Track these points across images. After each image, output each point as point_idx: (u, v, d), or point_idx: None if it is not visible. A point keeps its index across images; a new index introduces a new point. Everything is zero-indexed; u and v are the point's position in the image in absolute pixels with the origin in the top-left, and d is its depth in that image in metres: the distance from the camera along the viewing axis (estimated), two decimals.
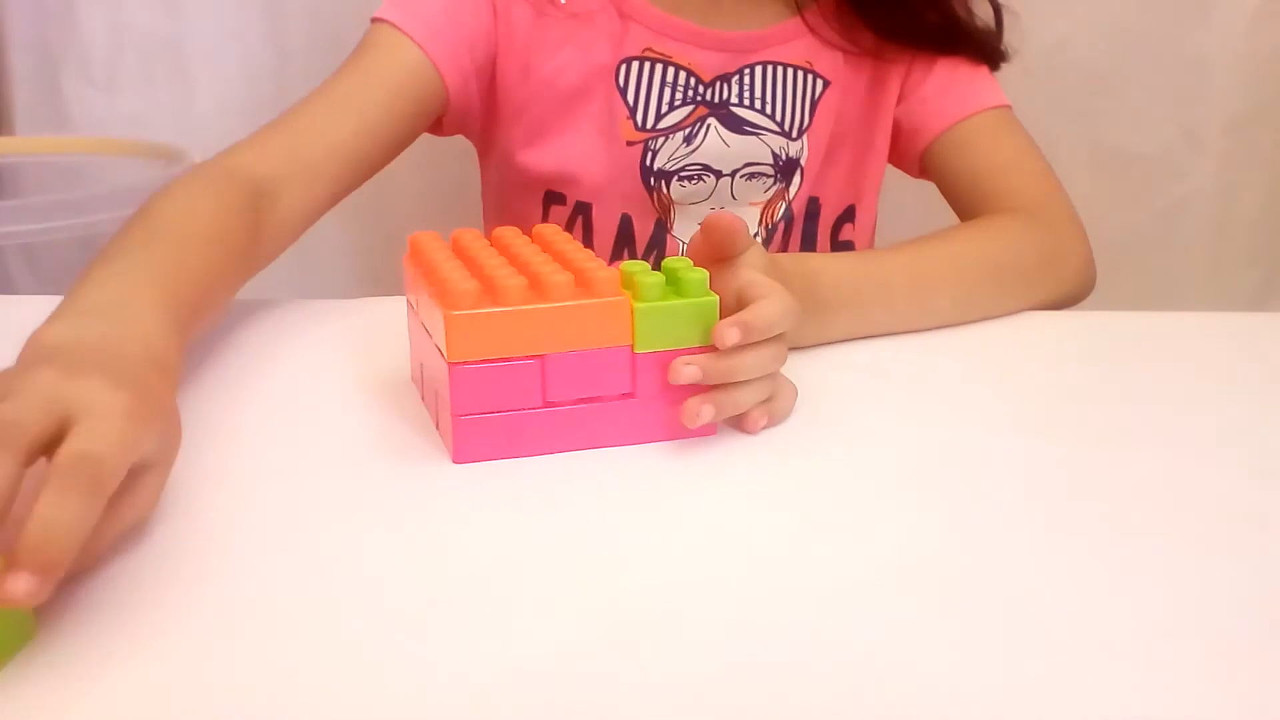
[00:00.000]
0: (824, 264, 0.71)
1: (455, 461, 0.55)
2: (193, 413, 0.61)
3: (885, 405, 0.62)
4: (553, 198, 0.91)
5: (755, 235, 0.92)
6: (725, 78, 0.88)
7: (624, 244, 0.91)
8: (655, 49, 0.87)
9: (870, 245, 0.98)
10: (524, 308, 0.54)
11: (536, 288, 0.55)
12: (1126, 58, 1.18)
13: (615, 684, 0.40)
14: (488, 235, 0.62)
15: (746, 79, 0.89)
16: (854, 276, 0.71)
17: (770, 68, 0.89)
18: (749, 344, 0.56)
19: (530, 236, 0.62)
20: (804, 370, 0.65)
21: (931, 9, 0.89)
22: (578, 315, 0.54)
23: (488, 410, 0.54)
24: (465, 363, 0.53)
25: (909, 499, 0.53)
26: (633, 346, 0.55)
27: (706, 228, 0.60)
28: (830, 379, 0.65)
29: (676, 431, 0.57)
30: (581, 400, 0.56)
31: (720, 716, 0.38)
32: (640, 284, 0.55)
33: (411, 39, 0.82)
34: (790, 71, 0.89)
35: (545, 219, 0.91)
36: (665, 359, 0.55)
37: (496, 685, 0.40)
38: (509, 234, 0.61)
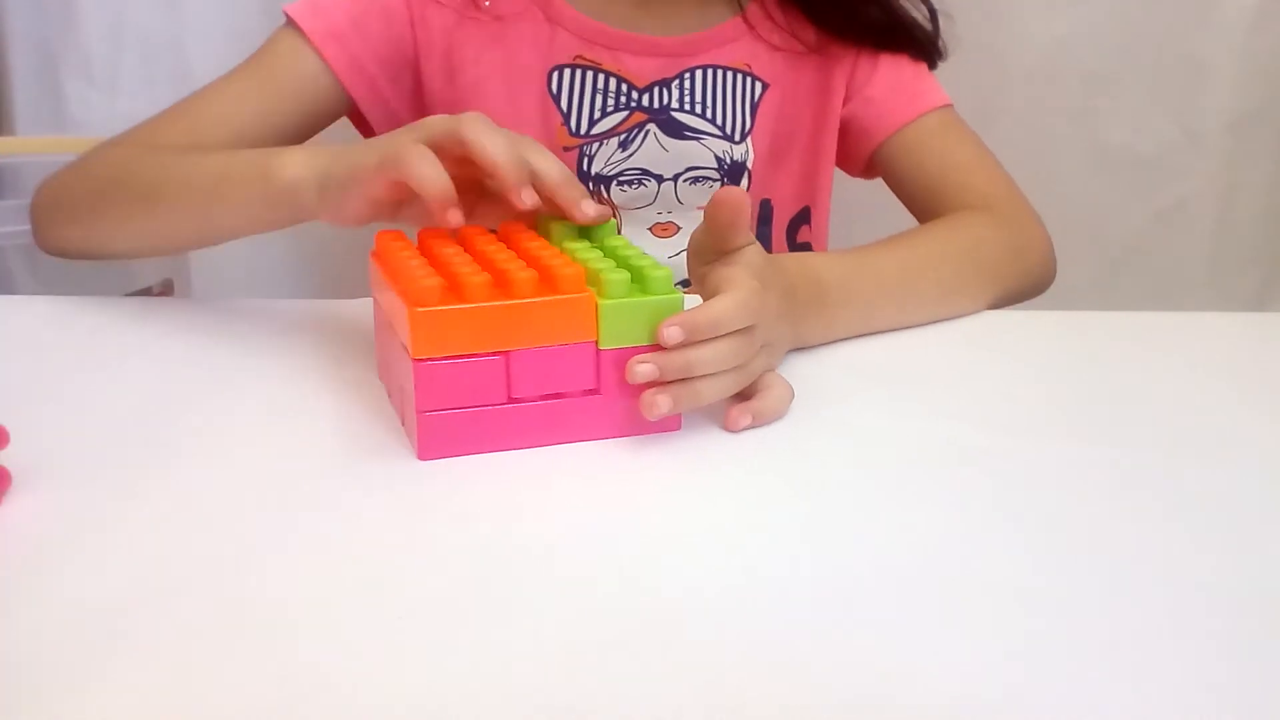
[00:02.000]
0: (825, 264, 0.72)
1: (420, 458, 0.55)
2: (168, 415, 0.61)
3: (884, 404, 0.62)
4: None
5: None
6: (665, 83, 0.88)
7: None
8: (586, 56, 0.88)
9: (825, 245, 0.99)
10: (488, 304, 0.54)
11: (501, 284, 0.55)
12: (1126, 58, 1.18)
13: (605, 682, 0.40)
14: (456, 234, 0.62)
15: (687, 83, 0.89)
16: (854, 275, 0.72)
17: (710, 71, 0.89)
18: (708, 339, 0.56)
19: (497, 234, 0.62)
20: (803, 369, 0.65)
21: (873, 3, 0.89)
22: (542, 312, 0.54)
23: (452, 406, 0.55)
24: (430, 359, 0.54)
25: (908, 498, 0.53)
26: (597, 343, 0.55)
27: (712, 206, 0.60)
28: (829, 378, 0.65)
29: (641, 427, 0.57)
30: (546, 396, 0.56)
31: (714, 715, 0.38)
32: (605, 281, 0.55)
33: (312, 44, 0.83)
34: (729, 75, 0.90)
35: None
36: (630, 355, 0.55)
37: (455, 685, 0.40)
38: (474, 232, 0.62)
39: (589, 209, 0.61)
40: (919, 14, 0.91)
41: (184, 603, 0.44)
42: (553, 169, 0.60)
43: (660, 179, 0.90)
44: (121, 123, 1.27)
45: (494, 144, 0.58)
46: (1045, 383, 0.66)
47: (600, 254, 0.58)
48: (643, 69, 0.88)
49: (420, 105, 0.89)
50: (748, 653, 0.41)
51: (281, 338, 0.71)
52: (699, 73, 0.89)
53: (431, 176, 0.57)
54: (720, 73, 0.89)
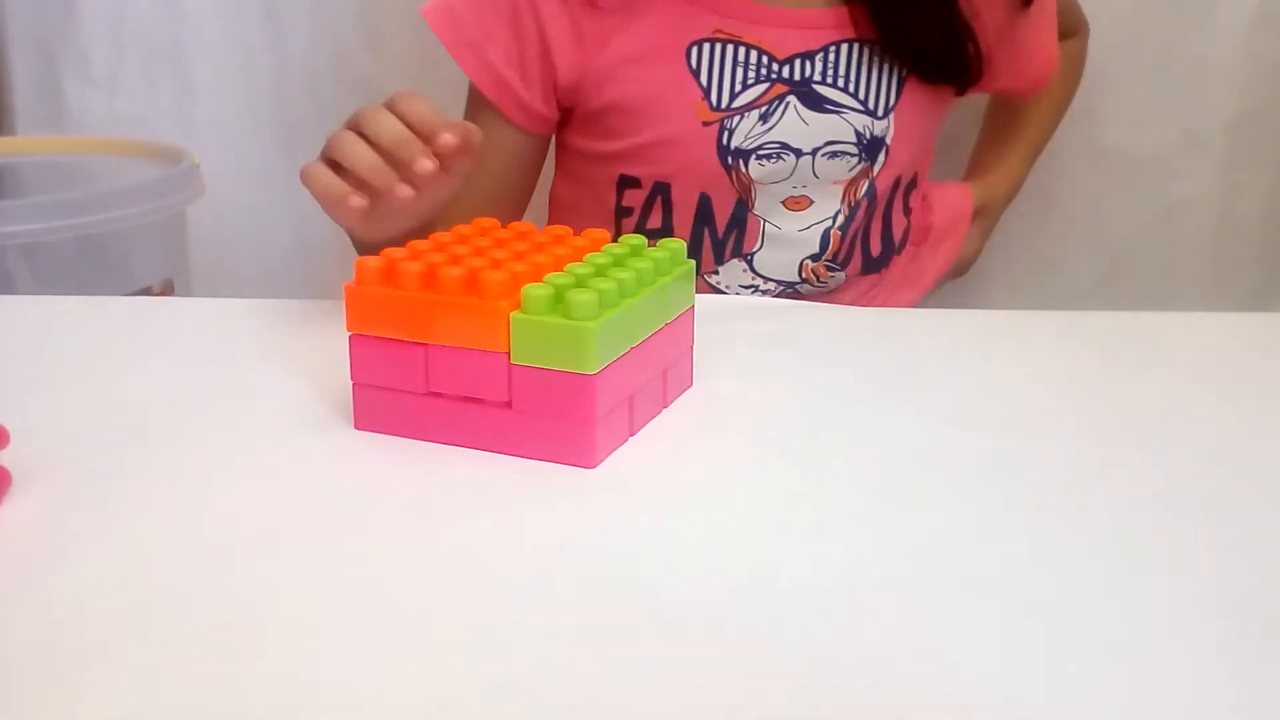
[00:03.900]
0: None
1: (355, 428, 0.58)
2: (168, 415, 0.61)
3: (883, 404, 0.62)
4: (627, 181, 0.92)
5: (836, 214, 0.93)
6: (808, 55, 0.88)
7: (703, 223, 0.91)
8: (724, 30, 0.88)
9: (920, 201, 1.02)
10: (404, 293, 0.55)
11: (430, 278, 0.55)
12: (1126, 58, 1.18)
13: (603, 683, 0.40)
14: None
15: (831, 57, 0.89)
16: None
17: (855, 45, 0.89)
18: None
19: (509, 230, 0.62)
20: (803, 368, 0.65)
21: (932, 28, 0.90)
22: (454, 313, 0.54)
23: (380, 385, 0.57)
24: (361, 334, 0.56)
25: (907, 498, 0.53)
26: (509, 356, 0.54)
27: None
28: (830, 377, 0.65)
29: (552, 454, 0.55)
30: (464, 399, 0.56)
31: (714, 717, 0.38)
32: (525, 295, 0.54)
33: (502, 115, 0.90)
34: (878, 49, 0.89)
35: (619, 204, 0.93)
36: (542, 375, 0.54)
37: (451, 684, 0.40)
38: (484, 224, 0.62)
39: (445, 139, 0.66)
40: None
41: (185, 603, 0.44)
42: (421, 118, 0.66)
43: (799, 153, 0.89)
44: (121, 123, 1.28)
45: (356, 155, 0.66)
46: (1045, 383, 0.66)
47: (594, 268, 0.56)
48: (783, 41, 0.88)
49: (556, 100, 0.91)
50: (748, 654, 0.41)
51: (282, 337, 0.71)
52: (844, 46, 0.89)
53: (360, 154, 0.66)
54: (868, 46, 0.89)
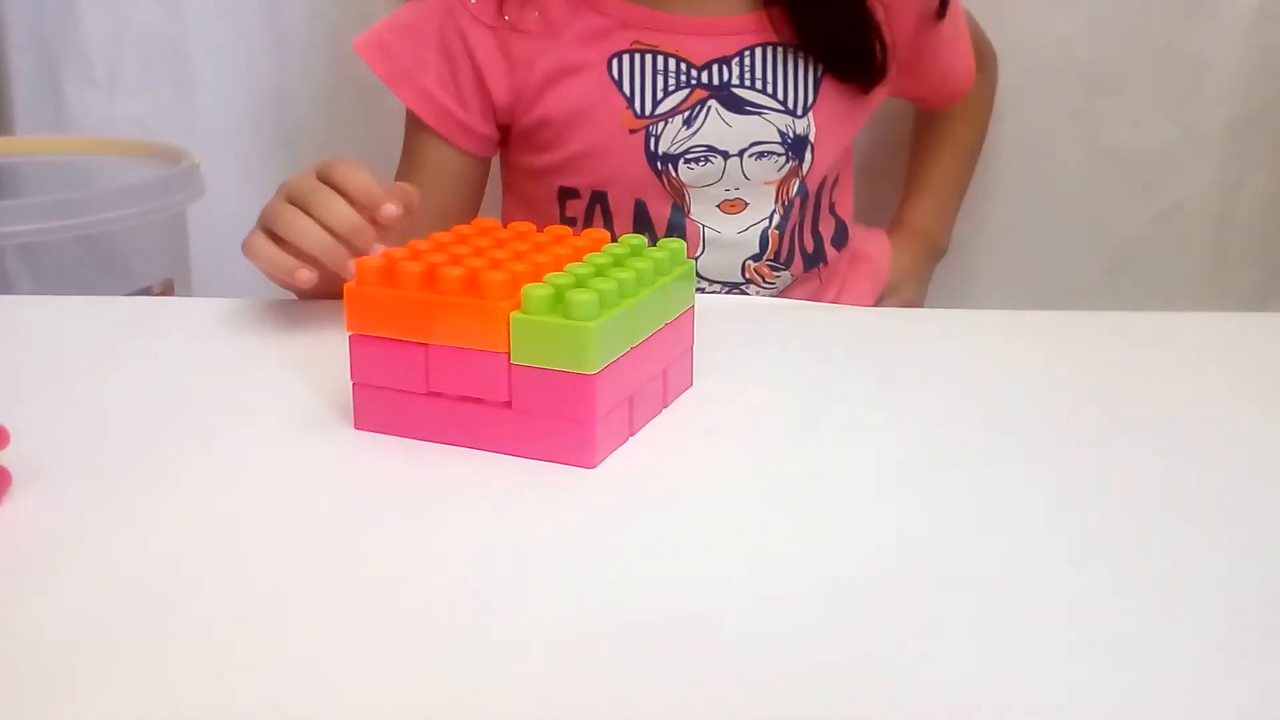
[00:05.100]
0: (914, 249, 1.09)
1: (355, 428, 0.58)
2: (168, 415, 0.61)
3: (883, 403, 0.62)
4: (567, 193, 0.94)
5: (772, 214, 0.94)
6: (725, 60, 0.91)
7: (643, 228, 0.93)
8: (642, 41, 0.90)
9: (851, 201, 1.03)
10: (404, 293, 0.55)
11: (430, 278, 0.55)
12: (1126, 58, 1.18)
13: (602, 683, 0.40)
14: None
15: (747, 60, 0.91)
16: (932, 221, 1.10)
17: (771, 49, 0.91)
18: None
19: (509, 230, 0.62)
20: (801, 367, 0.65)
21: (843, 23, 0.92)
22: (458, 312, 0.55)
23: (380, 384, 0.57)
24: (361, 334, 0.56)
25: (907, 498, 0.53)
26: (509, 356, 0.54)
27: None
28: (829, 377, 0.65)
29: (552, 454, 0.55)
30: (464, 398, 0.56)
31: (712, 716, 0.38)
32: (525, 295, 0.54)
33: (441, 137, 0.92)
34: (791, 51, 0.92)
35: (563, 215, 0.95)
36: (543, 375, 0.54)
37: (450, 683, 0.40)
38: (484, 223, 0.62)
39: (388, 210, 0.68)
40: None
41: (185, 603, 0.44)
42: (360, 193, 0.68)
43: (726, 155, 0.91)
44: (122, 123, 1.28)
45: (307, 237, 0.68)
46: (1045, 383, 0.66)
47: (594, 268, 0.56)
48: (700, 48, 0.91)
49: (495, 120, 0.93)
50: (748, 654, 0.41)
51: (282, 337, 0.71)
52: (759, 50, 0.91)
53: (312, 236, 0.67)
54: (782, 49, 0.92)
